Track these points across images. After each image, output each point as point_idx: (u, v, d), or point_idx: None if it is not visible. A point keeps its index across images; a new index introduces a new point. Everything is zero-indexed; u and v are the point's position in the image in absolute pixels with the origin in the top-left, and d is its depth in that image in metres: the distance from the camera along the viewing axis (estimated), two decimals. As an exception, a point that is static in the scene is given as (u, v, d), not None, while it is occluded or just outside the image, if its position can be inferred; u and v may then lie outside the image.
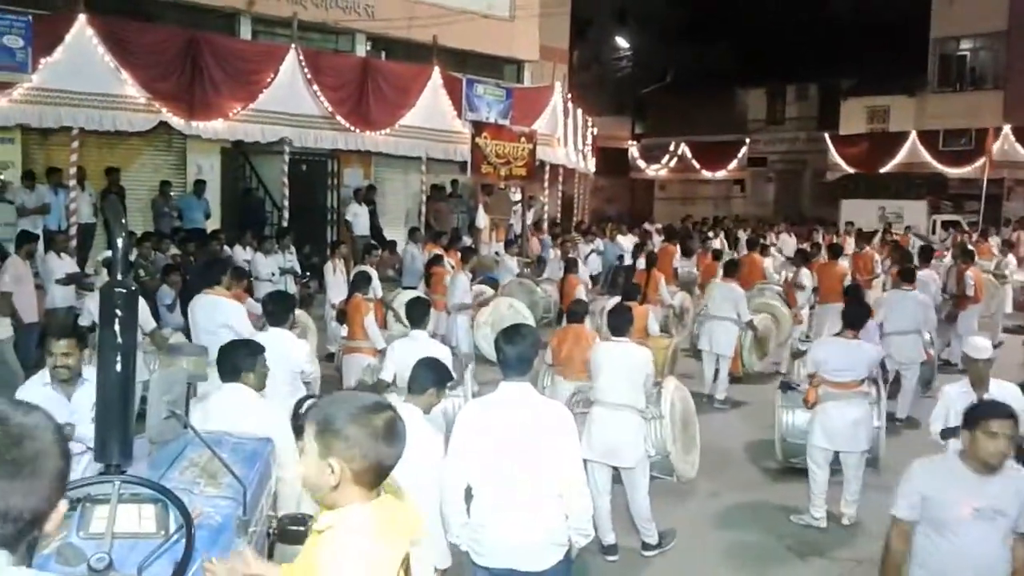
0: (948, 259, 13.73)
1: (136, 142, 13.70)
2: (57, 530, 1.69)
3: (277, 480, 3.61)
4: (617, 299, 11.27)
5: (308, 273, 13.63)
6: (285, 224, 13.95)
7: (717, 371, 10.48)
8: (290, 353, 6.00)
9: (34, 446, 1.57)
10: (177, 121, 12.26)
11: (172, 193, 14.20)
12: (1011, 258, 15.63)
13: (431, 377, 4.38)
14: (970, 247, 14.66)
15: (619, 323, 6.37)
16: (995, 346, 13.02)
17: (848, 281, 12.15)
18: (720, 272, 11.22)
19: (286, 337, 6.16)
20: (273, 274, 12.18)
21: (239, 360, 4.44)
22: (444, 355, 6.85)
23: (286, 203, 14.13)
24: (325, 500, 2.17)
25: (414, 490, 3.78)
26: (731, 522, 6.97)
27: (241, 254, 12.47)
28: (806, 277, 12.26)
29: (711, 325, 10.45)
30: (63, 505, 1.64)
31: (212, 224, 14.15)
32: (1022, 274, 15.08)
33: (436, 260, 11.96)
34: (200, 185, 14.18)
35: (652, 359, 6.24)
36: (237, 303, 7.32)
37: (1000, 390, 5.46)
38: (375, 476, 2.16)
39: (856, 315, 7.19)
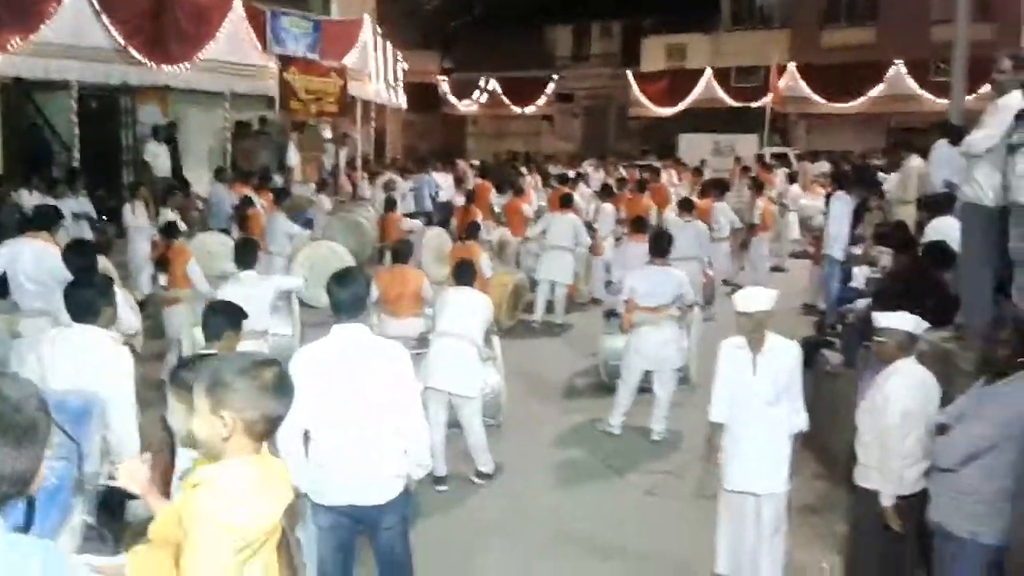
0: (745, 190, 14.66)
1: (-102, 80, 12.28)
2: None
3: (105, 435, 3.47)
4: (438, 230, 11.49)
5: (104, 217, 12.84)
6: (76, 165, 13.01)
7: (550, 302, 11.06)
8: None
9: (28, 416, 1.69)
10: (-54, 56, 11.07)
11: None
12: (795, 187, 16.85)
13: (224, 321, 4.31)
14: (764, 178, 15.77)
15: (464, 275, 6.65)
16: (780, 269, 14.31)
17: (653, 214, 12.82)
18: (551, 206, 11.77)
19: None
20: (63, 219, 11.38)
21: (95, 298, 4.14)
22: (272, 287, 6.80)
23: (76, 143, 13.15)
24: (215, 453, 2.24)
25: None
26: (555, 445, 7.35)
27: (28, 199, 11.55)
28: (607, 211, 12.81)
29: (549, 255, 10.93)
30: (44, 466, 1.76)
31: (-7, 166, 13.00)
32: (808, 200, 16.28)
33: (247, 202, 11.55)
34: (-24, 125, 12.94)
35: (491, 306, 6.63)
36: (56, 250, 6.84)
37: (774, 348, 4.69)
38: (265, 428, 2.26)
39: (660, 243, 7.67)
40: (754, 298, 4.69)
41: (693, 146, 25.54)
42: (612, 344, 8.33)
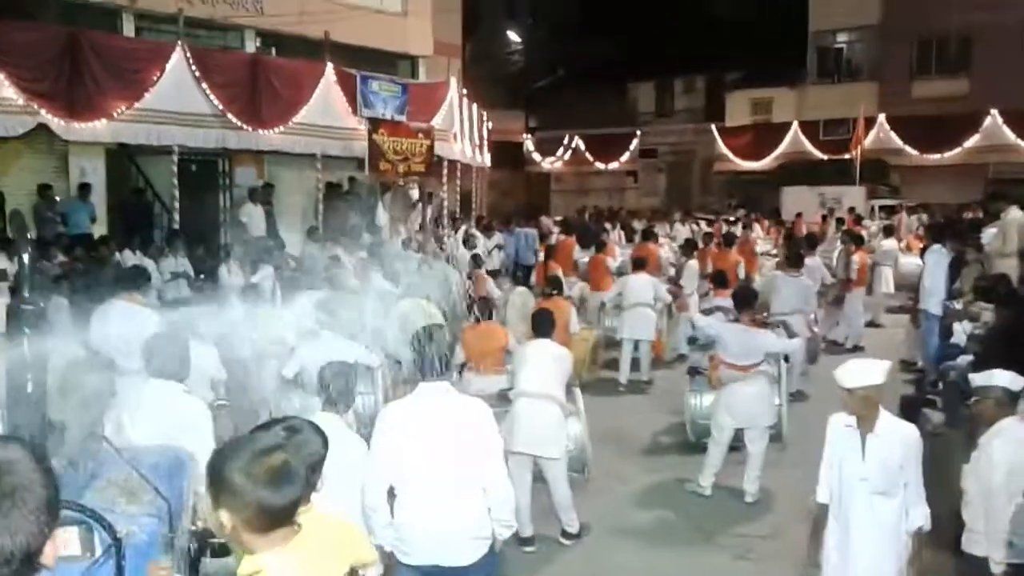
0: (838, 244, 14.31)
1: (14, 145, 13.01)
2: (55, 561, 1.62)
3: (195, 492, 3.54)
4: (522, 289, 11.54)
5: (203, 276, 13.27)
6: (176, 227, 13.54)
7: (636, 360, 10.92)
8: (199, 361, 5.89)
9: (12, 481, 1.52)
10: (57, 123, 11.72)
11: (56, 197, 13.57)
12: (891, 241, 16.33)
13: (347, 384, 4.37)
14: (858, 232, 15.42)
15: (543, 326, 6.54)
16: (875, 325, 13.87)
17: (741, 269, 12.62)
18: (630, 266, 11.81)
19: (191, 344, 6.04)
20: (163, 279, 11.83)
21: (174, 357, 4.31)
22: (352, 352, 6.83)
23: (176, 205, 13.70)
24: (238, 544, 2.17)
25: (345, 498, 3.80)
26: (641, 505, 7.18)
27: (131, 259, 12.05)
28: (691, 268, 12.68)
29: (630, 313, 10.82)
30: (60, 533, 1.61)
31: (99, 229, 13.59)
32: (905, 256, 15.79)
33: (336, 261, 11.77)
34: (85, 188, 13.58)
35: (572, 358, 6.48)
36: (154, 313, 7.18)
37: (888, 429, 4.14)
38: (266, 521, 2.15)
39: (744, 297, 7.53)
40: (858, 372, 4.12)
41: (797, 200, 24.82)
42: (698, 402, 8.15)
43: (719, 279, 10.16)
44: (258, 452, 2.16)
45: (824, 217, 22.32)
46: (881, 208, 22.94)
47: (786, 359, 8.07)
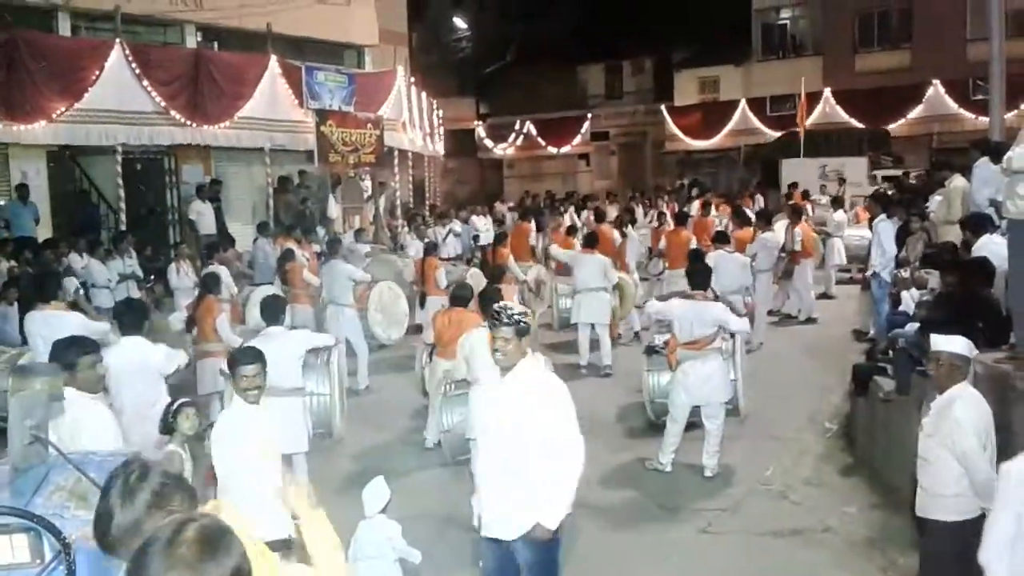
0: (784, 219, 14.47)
1: (-50, 151, 12.73)
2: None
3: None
4: (475, 271, 11.53)
5: (152, 277, 13.06)
6: (123, 227, 13.31)
7: (594, 341, 10.86)
8: (148, 359, 5.82)
9: None
10: (-7, 127, 11.48)
11: (-1, 203, 13.28)
12: (840, 214, 16.55)
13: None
14: (800, 205, 15.63)
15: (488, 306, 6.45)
16: (827, 296, 14.13)
17: (693, 246, 12.72)
18: (579, 246, 11.86)
19: (141, 344, 5.96)
20: (111, 280, 11.64)
21: (72, 356, 4.27)
22: (302, 342, 6.82)
23: (122, 205, 13.47)
24: None
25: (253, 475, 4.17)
26: (604, 484, 7.20)
27: (77, 262, 11.83)
28: (631, 240, 13.04)
29: (582, 298, 10.78)
30: (9, 541, 1.51)
31: (43, 232, 13.30)
32: (852, 229, 16.03)
33: (289, 255, 11.65)
34: (23, 190, 13.19)
35: None
36: (78, 315, 7.16)
37: None
38: None
39: (700, 276, 7.58)
40: None
41: (798, 172, 24.41)
42: (657, 381, 8.21)
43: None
44: (175, 531, 1.78)
45: (760, 189, 22.49)
46: (884, 178, 22.67)
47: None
